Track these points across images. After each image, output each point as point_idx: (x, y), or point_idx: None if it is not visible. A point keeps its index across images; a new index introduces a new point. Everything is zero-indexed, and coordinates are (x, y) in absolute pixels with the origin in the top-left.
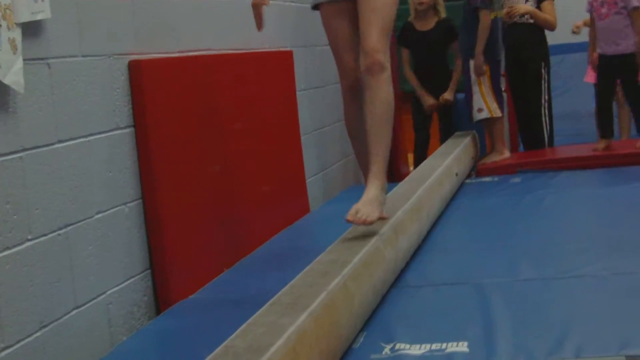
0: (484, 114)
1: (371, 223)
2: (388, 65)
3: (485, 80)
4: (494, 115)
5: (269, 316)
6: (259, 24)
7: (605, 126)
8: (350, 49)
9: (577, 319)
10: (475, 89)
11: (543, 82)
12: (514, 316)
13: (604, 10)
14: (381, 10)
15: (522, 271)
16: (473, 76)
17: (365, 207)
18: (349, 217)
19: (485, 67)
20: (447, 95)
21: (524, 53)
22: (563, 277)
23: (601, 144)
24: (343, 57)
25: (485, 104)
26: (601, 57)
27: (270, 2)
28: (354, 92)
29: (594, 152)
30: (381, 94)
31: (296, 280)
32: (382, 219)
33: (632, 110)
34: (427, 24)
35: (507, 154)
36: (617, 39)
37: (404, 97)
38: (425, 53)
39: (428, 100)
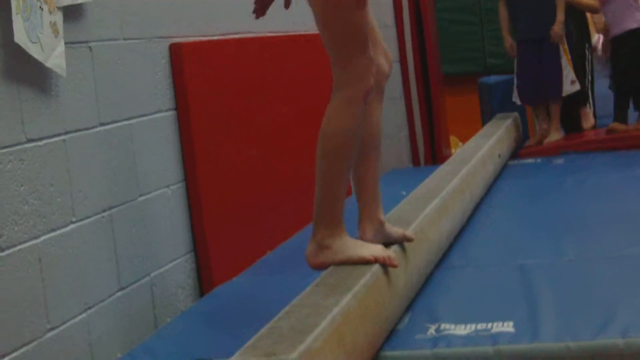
0: (577, 86)
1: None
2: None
3: (563, 53)
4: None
5: (313, 297)
6: (258, 9)
7: (619, 110)
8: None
9: (622, 299)
10: (564, 61)
11: (587, 63)
12: (558, 297)
13: None
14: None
15: (566, 252)
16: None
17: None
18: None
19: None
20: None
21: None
22: (607, 257)
23: (616, 125)
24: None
25: (574, 76)
26: (613, 40)
27: None
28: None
29: (632, 133)
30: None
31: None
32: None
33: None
34: None
35: (562, 133)
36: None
37: (445, 80)
38: None
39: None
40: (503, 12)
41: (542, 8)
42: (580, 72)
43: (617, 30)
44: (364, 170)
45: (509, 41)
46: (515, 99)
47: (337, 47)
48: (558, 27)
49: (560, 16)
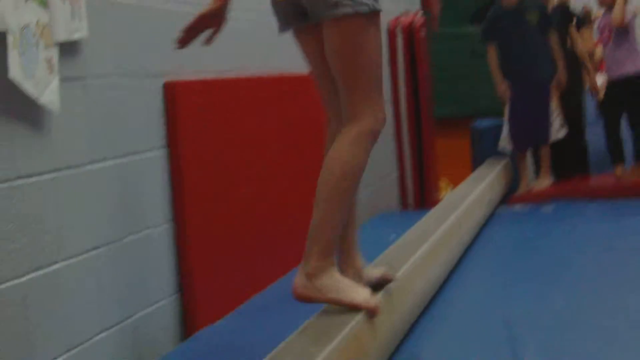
0: (563, 132)
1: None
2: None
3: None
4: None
5: (296, 345)
6: (183, 39)
7: (617, 152)
8: None
9: (608, 352)
10: (553, 105)
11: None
12: (544, 348)
13: (605, 35)
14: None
15: (553, 302)
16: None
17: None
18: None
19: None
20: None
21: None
22: (594, 308)
23: (619, 171)
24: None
25: (562, 120)
26: (609, 83)
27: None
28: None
29: (624, 182)
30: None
31: (325, 308)
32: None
33: (634, 137)
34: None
35: (551, 179)
36: (623, 61)
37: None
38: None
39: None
40: (493, 56)
41: (535, 51)
42: (577, 120)
43: (619, 72)
44: (352, 210)
45: (502, 84)
46: (504, 147)
47: (357, 81)
48: (563, 76)
49: (562, 64)
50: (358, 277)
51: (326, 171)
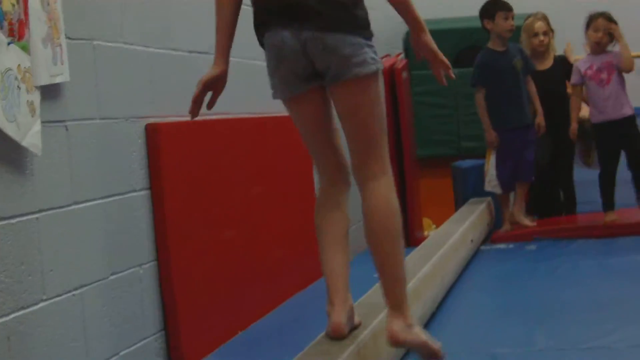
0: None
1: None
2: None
3: None
4: None
5: None
6: (194, 108)
7: (611, 198)
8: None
9: None
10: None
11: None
12: None
13: (603, 76)
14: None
15: (537, 341)
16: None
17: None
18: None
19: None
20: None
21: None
22: (579, 348)
23: (610, 217)
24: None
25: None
26: (606, 125)
27: None
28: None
29: (607, 224)
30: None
31: (310, 347)
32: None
33: (634, 178)
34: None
35: (534, 219)
36: (622, 102)
37: (419, 163)
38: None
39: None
40: (481, 101)
41: (523, 95)
42: (571, 160)
43: (617, 114)
44: (345, 256)
45: (492, 133)
46: (493, 188)
47: (378, 136)
48: (541, 119)
49: (540, 108)
50: (350, 315)
51: (385, 227)
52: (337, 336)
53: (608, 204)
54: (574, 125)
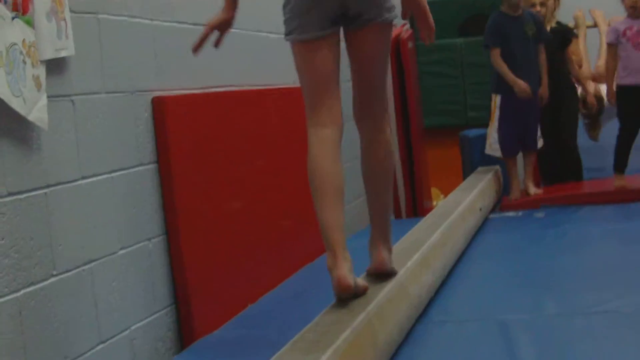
0: (540, 142)
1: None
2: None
3: None
4: None
5: (293, 354)
6: (197, 45)
7: (624, 161)
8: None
9: (602, 355)
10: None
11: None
12: (538, 353)
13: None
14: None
15: (546, 307)
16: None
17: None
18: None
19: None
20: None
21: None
22: (588, 312)
23: (619, 181)
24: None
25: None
26: (633, 88)
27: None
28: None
29: (616, 188)
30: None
31: (320, 317)
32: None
33: None
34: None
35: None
36: None
37: (426, 133)
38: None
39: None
40: (499, 60)
41: (532, 61)
42: (573, 128)
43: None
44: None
45: (522, 82)
46: (493, 152)
47: (385, 75)
48: (545, 91)
49: (545, 79)
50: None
51: (388, 166)
52: (343, 291)
53: (620, 163)
54: (612, 90)
